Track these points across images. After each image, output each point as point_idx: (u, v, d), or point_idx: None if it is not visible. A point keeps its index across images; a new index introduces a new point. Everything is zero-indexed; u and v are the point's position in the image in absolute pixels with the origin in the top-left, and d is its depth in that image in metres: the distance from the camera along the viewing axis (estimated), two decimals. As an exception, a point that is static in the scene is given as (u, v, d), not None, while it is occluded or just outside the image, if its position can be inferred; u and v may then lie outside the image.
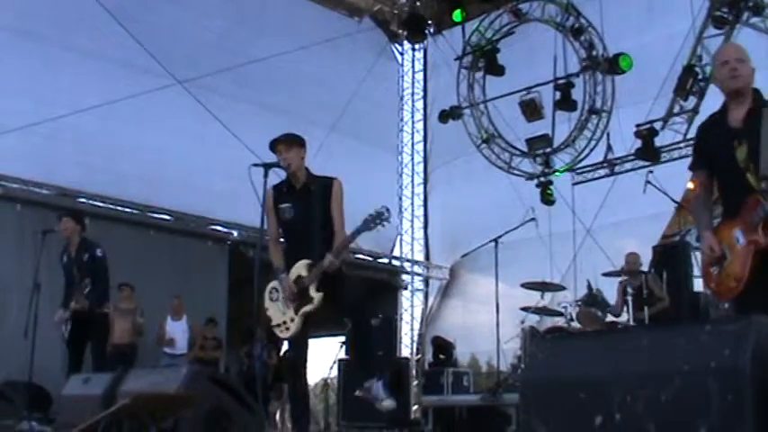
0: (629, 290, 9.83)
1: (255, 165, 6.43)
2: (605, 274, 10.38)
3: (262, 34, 17.02)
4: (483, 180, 17.74)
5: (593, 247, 15.27)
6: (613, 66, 14.92)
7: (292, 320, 6.39)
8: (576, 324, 9.90)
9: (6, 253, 12.95)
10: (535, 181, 16.13)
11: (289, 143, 6.48)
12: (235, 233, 16.15)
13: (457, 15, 16.90)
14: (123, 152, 14.81)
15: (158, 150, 15.17)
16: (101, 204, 14.67)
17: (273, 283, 6.57)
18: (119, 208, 14.87)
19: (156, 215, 15.35)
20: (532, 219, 11.81)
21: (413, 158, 20.24)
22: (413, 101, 20.47)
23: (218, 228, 16.17)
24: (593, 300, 10.05)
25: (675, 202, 10.88)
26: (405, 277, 19.63)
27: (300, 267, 6.41)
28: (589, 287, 10.28)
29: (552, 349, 4.24)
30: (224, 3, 16.84)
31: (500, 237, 11.17)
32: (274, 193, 6.55)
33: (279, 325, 6.49)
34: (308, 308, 6.33)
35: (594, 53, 15.36)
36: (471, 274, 18.28)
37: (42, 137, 13.67)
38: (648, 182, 10.88)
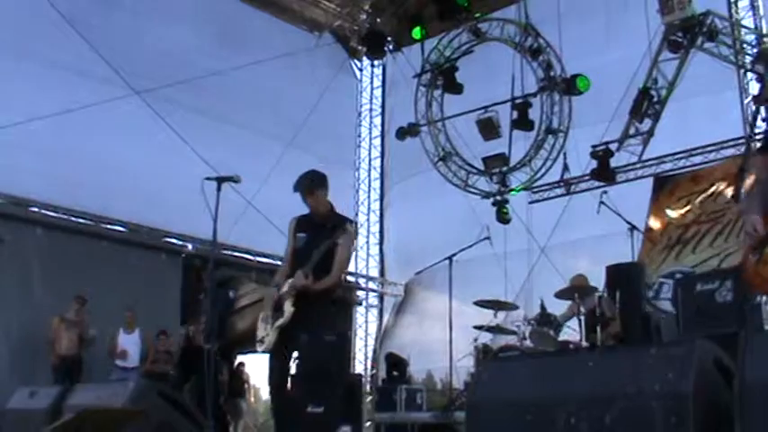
0: (582, 310, 9.85)
1: (208, 178, 6.44)
2: (557, 295, 10.39)
3: (221, 47, 16.91)
4: (439, 197, 17.79)
5: (548, 266, 15.33)
6: (571, 86, 15.05)
7: (268, 335, 6.45)
8: (528, 343, 9.91)
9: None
10: (491, 199, 16.19)
11: (310, 189, 6.63)
12: (189, 246, 15.99)
13: (416, 33, 16.93)
14: (78, 162, 14.61)
15: (114, 161, 14.96)
16: (53, 214, 14.45)
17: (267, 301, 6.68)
18: (72, 218, 14.65)
19: (109, 226, 15.17)
20: (487, 237, 11.89)
21: (370, 175, 20.24)
22: (371, 117, 20.48)
23: (173, 240, 16.01)
24: (546, 319, 10.05)
25: (628, 222, 10.94)
26: (359, 293, 19.61)
27: (286, 284, 6.51)
28: (542, 306, 10.29)
29: (498, 370, 4.25)
30: (184, 15, 16.74)
31: (455, 255, 11.25)
32: (297, 222, 6.75)
33: (259, 340, 6.55)
34: (280, 321, 6.39)
35: (552, 73, 15.49)
36: (426, 292, 18.26)
37: (-5, 145, 13.49)
38: (602, 202, 10.96)
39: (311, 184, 6.69)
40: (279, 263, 15.52)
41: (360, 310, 19.52)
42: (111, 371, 13.18)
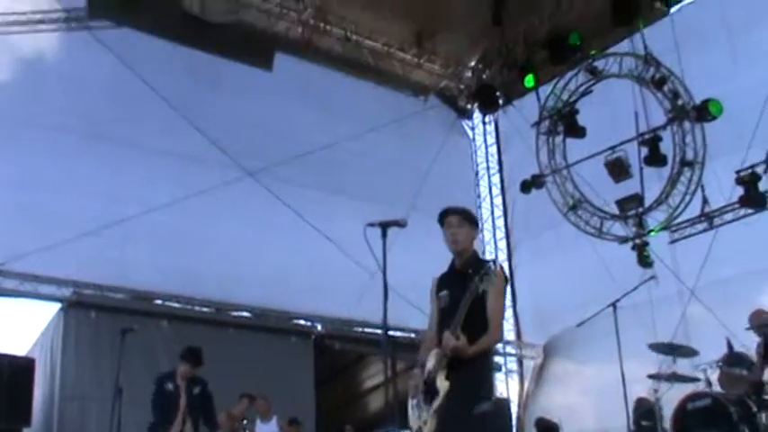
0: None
1: (371, 224, 5.74)
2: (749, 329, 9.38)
3: (328, 119, 16.64)
4: (570, 251, 16.86)
5: (699, 309, 14.19)
6: (702, 113, 14.08)
7: (425, 423, 5.44)
8: (716, 388, 8.87)
9: (83, 360, 12.57)
10: (629, 244, 15.18)
11: (462, 218, 5.82)
12: (318, 326, 15.46)
13: (529, 81, 16.36)
14: (196, 249, 14.41)
15: (232, 245, 14.72)
16: (177, 305, 14.20)
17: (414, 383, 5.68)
18: (196, 308, 14.35)
19: (234, 313, 14.77)
20: (653, 277, 11.05)
21: (494, 235, 19.48)
22: (488, 175, 19.86)
23: (301, 321, 15.50)
24: (736, 359, 9.00)
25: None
26: (497, 359, 18.69)
27: (431, 357, 5.55)
28: (729, 346, 9.23)
29: None
30: (288, 91, 16.43)
31: (618, 300, 10.35)
32: (438, 280, 5.89)
33: None
34: (436, 404, 5.38)
35: (680, 102, 14.54)
36: (567, 351, 17.36)
37: (114, 239, 13.40)
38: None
39: (464, 214, 5.85)
40: (412, 335, 14.93)
41: (499, 376, 18.57)
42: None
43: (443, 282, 5.83)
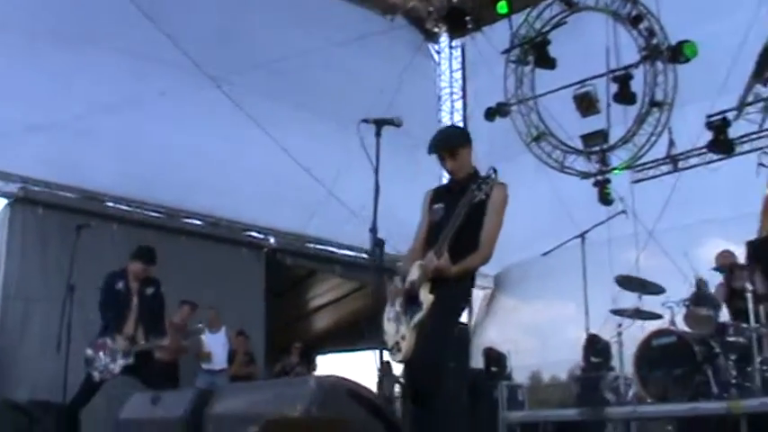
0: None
1: (365, 121, 5.48)
2: (716, 269, 9.35)
3: (292, 31, 16.02)
4: (529, 184, 16.61)
5: (656, 251, 14.13)
6: (676, 54, 13.98)
7: (404, 338, 5.20)
8: (681, 327, 8.80)
9: (28, 259, 12.13)
10: (590, 180, 15.07)
11: (451, 149, 5.62)
12: (271, 239, 15.12)
13: (502, 7, 15.97)
14: (153, 153, 13.84)
15: (189, 151, 14.20)
16: (128, 208, 13.70)
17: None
18: (147, 212, 13.89)
19: (187, 220, 14.38)
20: (623, 211, 10.94)
21: (453, 161, 19.15)
22: (452, 101, 19.39)
23: (254, 234, 15.10)
24: (703, 299, 8.90)
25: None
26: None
27: (414, 270, 5.31)
28: (698, 285, 9.12)
29: None
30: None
31: (587, 232, 10.38)
32: (433, 192, 5.72)
33: (392, 348, 5.31)
34: (418, 317, 5.16)
35: (655, 41, 14.35)
36: (517, 284, 17.28)
37: (66, 136, 12.72)
38: (762, 164, 9.83)
39: (453, 141, 5.62)
40: (363, 256, 14.72)
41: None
42: (197, 374, 12.29)
43: (439, 195, 5.63)
